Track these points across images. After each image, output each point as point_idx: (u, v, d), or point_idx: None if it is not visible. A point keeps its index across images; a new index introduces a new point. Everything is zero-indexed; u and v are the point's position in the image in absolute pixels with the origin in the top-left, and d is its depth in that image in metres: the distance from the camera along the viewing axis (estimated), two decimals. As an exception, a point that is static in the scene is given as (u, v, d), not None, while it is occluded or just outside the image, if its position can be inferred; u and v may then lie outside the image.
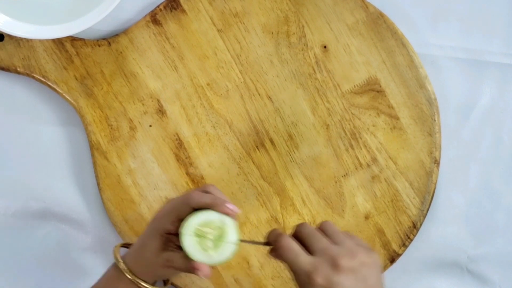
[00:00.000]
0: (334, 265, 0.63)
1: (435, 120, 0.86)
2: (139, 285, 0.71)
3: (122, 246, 0.76)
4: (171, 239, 0.70)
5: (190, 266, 0.68)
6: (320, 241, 0.65)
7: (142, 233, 0.73)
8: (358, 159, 0.86)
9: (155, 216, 0.72)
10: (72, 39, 0.85)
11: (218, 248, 0.67)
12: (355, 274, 0.63)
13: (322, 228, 0.68)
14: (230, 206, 0.67)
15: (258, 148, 0.86)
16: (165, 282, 0.77)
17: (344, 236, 0.66)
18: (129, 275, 0.71)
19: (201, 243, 0.67)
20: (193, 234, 0.67)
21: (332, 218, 0.85)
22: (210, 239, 0.67)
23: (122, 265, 0.71)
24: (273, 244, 0.67)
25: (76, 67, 0.85)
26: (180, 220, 0.69)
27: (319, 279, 0.62)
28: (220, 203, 0.67)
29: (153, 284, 0.72)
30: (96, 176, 0.85)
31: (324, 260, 0.63)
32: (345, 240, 0.66)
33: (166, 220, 0.70)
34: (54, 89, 0.85)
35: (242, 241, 0.69)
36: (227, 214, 0.67)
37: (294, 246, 0.65)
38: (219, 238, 0.67)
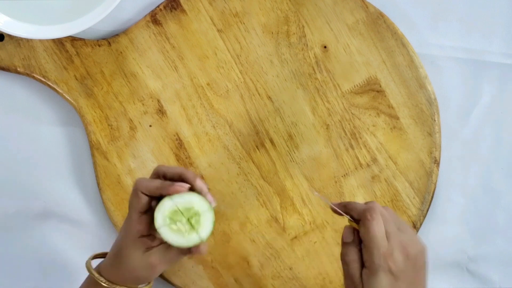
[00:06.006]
0: (405, 253, 0.66)
1: (435, 120, 0.86)
2: None
3: (94, 258, 0.75)
4: (145, 240, 0.71)
5: (184, 252, 0.69)
6: (391, 226, 0.67)
7: (114, 242, 0.73)
8: (358, 159, 0.86)
9: (122, 225, 0.73)
10: (72, 39, 0.85)
11: (197, 226, 0.68)
12: (416, 262, 0.67)
13: (384, 212, 0.69)
14: (178, 183, 0.68)
15: (258, 148, 0.86)
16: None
17: (404, 222, 0.69)
18: (106, 283, 0.71)
19: (178, 228, 0.68)
20: (168, 223, 0.68)
21: (332, 218, 0.85)
22: (185, 222, 0.68)
23: (96, 275, 0.71)
24: (360, 216, 0.68)
25: (76, 67, 0.85)
26: (142, 212, 0.70)
27: (392, 265, 0.65)
28: (168, 185, 0.68)
29: None
30: (96, 176, 0.85)
31: (396, 246, 0.66)
32: (407, 227, 0.68)
33: (131, 221, 0.70)
34: (54, 89, 0.85)
35: (332, 206, 0.70)
36: (176, 192, 0.68)
37: (382, 226, 0.66)
38: (192, 217, 0.68)
